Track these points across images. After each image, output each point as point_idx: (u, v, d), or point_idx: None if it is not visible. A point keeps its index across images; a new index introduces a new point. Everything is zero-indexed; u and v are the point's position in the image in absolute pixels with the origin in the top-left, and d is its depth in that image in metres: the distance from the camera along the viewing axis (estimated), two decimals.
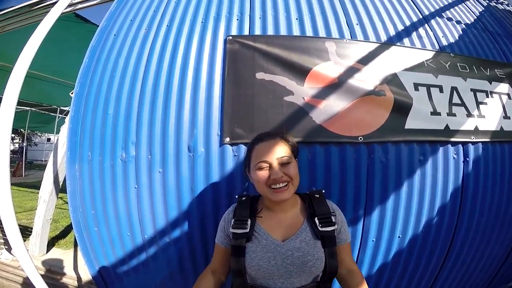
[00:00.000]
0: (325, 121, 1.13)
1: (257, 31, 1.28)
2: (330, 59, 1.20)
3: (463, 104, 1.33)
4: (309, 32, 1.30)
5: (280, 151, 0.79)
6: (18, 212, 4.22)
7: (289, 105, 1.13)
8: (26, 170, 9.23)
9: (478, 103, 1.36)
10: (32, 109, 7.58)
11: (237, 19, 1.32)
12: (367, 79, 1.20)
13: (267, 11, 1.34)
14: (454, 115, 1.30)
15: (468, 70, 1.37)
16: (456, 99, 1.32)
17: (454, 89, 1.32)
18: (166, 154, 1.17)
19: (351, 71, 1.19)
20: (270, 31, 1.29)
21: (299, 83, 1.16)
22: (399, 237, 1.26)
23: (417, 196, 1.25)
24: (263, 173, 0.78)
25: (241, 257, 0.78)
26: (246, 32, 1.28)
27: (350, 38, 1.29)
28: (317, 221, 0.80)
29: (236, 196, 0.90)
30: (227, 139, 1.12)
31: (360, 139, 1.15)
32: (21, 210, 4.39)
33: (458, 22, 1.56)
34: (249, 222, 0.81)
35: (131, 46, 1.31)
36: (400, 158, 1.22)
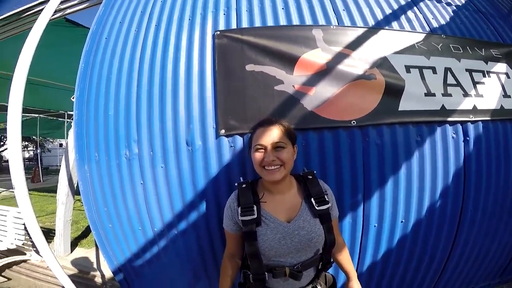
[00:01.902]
0: (316, 108, 1.15)
1: (244, 24, 1.30)
2: (318, 46, 1.21)
3: (458, 84, 1.32)
4: (295, 21, 1.31)
5: (276, 136, 0.85)
6: (41, 215, 4.44)
7: (280, 94, 1.16)
8: (43, 175, 9.67)
9: (475, 83, 1.35)
10: (41, 115, 7.82)
11: (224, 14, 1.34)
12: (357, 64, 1.21)
13: (253, 3, 1.36)
14: (450, 95, 1.30)
15: (462, 51, 1.37)
16: (451, 80, 1.32)
17: (448, 70, 1.32)
18: (166, 149, 1.22)
19: (340, 57, 1.21)
20: (257, 23, 1.31)
21: (289, 72, 1.18)
22: (402, 221, 1.27)
23: (416, 177, 1.25)
24: (259, 155, 0.86)
25: (254, 241, 0.86)
26: (233, 25, 1.31)
27: (337, 24, 1.30)
28: (313, 201, 0.89)
29: (236, 184, 0.95)
30: (222, 131, 1.17)
31: (353, 123, 1.17)
32: (44, 213, 4.60)
33: (448, 4, 1.54)
34: (255, 208, 0.88)
35: (123, 48, 1.35)
36: (395, 140, 1.23)
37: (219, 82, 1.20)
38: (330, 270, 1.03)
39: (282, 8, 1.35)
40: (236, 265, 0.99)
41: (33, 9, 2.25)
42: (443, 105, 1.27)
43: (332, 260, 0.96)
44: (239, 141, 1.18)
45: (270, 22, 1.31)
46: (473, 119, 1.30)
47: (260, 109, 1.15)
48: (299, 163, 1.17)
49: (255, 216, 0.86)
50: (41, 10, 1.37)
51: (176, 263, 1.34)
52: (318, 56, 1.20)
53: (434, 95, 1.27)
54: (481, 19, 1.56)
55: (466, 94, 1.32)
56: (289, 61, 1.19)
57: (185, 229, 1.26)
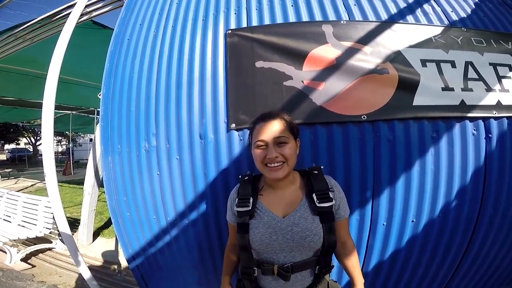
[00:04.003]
0: (325, 102, 1.16)
1: (254, 22, 1.34)
2: (327, 42, 1.22)
3: (481, 78, 1.26)
4: (305, 17, 1.33)
5: (278, 131, 0.81)
6: (70, 206, 4.78)
7: (289, 89, 1.18)
8: (74, 168, 10.41)
9: (500, 77, 1.27)
10: (73, 112, 8.44)
11: (235, 13, 1.39)
12: (368, 58, 1.20)
13: (262, 1, 1.39)
14: (471, 90, 1.24)
15: (485, 44, 1.29)
16: (472, 74, 1.25)
17: (469, 63, 1.25)
18: (181, 142, 1.29)
19: (350, 51, 1.20)
20: (267, 21, 1.33)
21: (298, 68, 1.20)
22: (412, 221, 1.23)
23: (431, 175, 1.21)
24: (260, 152, 0.83)
25: (245, 233, 0.84)
26: (244, 24, 1.35)
27: (348, 19, 1.29)
28: (315, 197, 0.83)
29: (240, 176, 0.96)
30: (233, 125, 1.21)
31: (364, 117, 1.16)
32: (72, 204, 4.94)
33: None
34: (251, 200, 0.86)
35: (143, 48, 1.44)
36: (409, 136, 1.19)
37: (230, 78, 1.24)
38: (332, 274, 0.99)
39: (292, 5, 1.37)
40: (237, 255, 0.98)
41: (63, 13, 2.46)
42: (462, 100, 1.22)
43: (332, 264, 0.89)
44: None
45: (279, 20, 1.34)
46: (497, 115, 1.23)
47: (269, 104, 1.18)
48: (307, 158, 1.18)
49: (250, 208, 0.85)
50: (69, 13, 1.50)
51: (186, 252, 1.40)
52: (327, 51, 1.21)
53: (452, 89, 1.22)
54: (507, 11, 1.46)
55: (489, 89, 1.25)
56: (298, 57, 1.21)
57: (195, 219, 1.31)
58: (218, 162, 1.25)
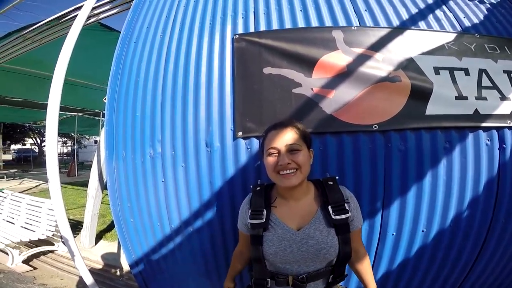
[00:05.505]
0: (335, 111, 1.13)
1: (262, 27, 1.31)
2: (338, 48, 1.19)
3: (495, 87, 1.22)
4: (314, 23, 1.30)
5: (290, 138, 0.81)
6: (73, 208, 4.77)
7: (298, 97, 1.15)
8: (78, 170, 10.45)
9: None
10: (79, 114, 8.52)
11: (242, 17, 1.36)
12: (380, 65, 1.17)
13: (270, 6, 1.37)
14: (485, 98, 1.20)
15: (499, 51, 1.26)
16: (486, 82, 1.22)
17: (482, 71, 1.22)
18: (187, 150, 1.27)
19: (362, 58, 1.17)
20: (275, 26, 1.31)
21: (307, 75, 1.17)
22: (423, 231, 1.19)
23: (443, 186, 1.17)
24: (272, 159, 0.82)
25: (259, 245, 0.83)
26: (252, 29, 1.32)
27: (359, 25, 1.26)
28: (330, 210, 0.82)
29: (251, 186, 0.94)
30: (240, 133, 1.19)
31: (375, 127, 1.13)
32: (75, 206, 4.92)
33: (482, 2, 1.42)
34: (264, 212, 0.85)
35: (149, 52, 1.42)
36: (421, 146, 1.16)
37: (238, 85, 1.22)
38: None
39: (300, 10, 1.34)
40: (245, 260, 0.99)
41: (71, 14, 2.48)
42: (476, 109, 1.18)
43: (345, 273, 0.89)
44: (256, 143, 1.19)
45: (288, 25, 1.31)
46: (511, 125, 1.19)
47: (277, 112, 1.15)
48: (316, 168, 1.15)
49: (263, 220, 0.83)
50: (77, 15, 1.49)
51: (190, 260, 1.37)
52: (338, 58, 1.18)
53: (466, 98, 1.18)
54: None
55: (503, 98, 1.21)
56: (308, 64, 1.18)
57: (200, 227, 1.29)
58: (224, 171, 1.22)
